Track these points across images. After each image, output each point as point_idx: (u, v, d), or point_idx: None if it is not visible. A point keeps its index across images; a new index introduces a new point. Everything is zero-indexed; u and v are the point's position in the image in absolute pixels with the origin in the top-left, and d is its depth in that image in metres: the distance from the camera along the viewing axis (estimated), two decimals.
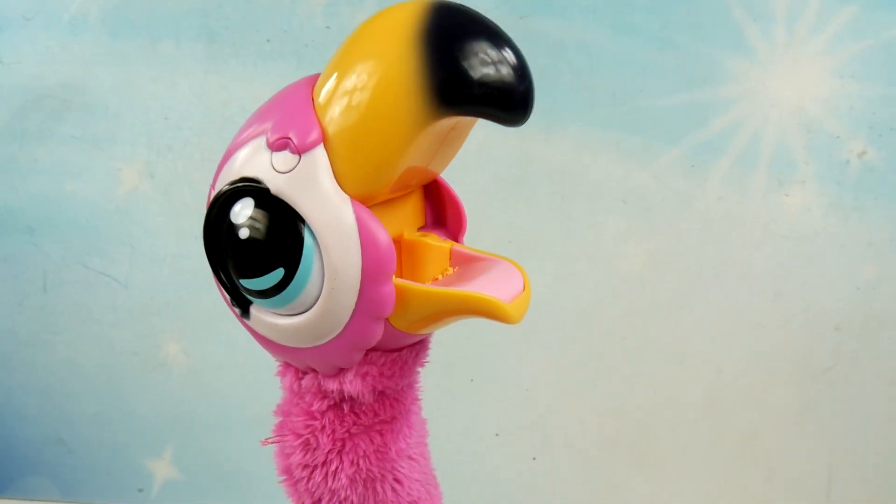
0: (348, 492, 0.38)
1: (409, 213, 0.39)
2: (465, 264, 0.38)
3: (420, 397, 0.41)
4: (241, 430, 0.88)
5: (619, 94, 0.79)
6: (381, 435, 0.38)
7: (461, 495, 0.85)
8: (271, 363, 0.86)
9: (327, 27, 0.82)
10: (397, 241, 0.38)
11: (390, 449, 0.39)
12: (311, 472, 0.39)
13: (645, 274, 0.81)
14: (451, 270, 0.38)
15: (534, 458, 0.86)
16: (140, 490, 0.91)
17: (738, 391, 0.82)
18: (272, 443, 0.40)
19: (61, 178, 0.86)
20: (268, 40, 0.83)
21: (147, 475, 0.91)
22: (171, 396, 0.88)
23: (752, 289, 0.81)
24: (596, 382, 0.84)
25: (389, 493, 0.39)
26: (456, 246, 0.38)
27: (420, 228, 0.40)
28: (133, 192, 0.85)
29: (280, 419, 0.41)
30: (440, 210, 0.40)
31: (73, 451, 0.91)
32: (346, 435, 0.38)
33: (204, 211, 0.85)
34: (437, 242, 0.38)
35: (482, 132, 0.81)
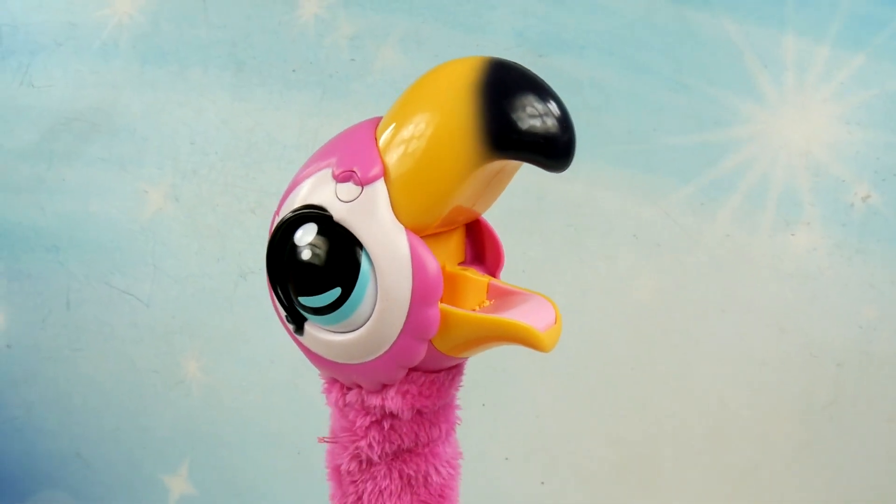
0: (392, 489, 0.42)
1: (453, 247, 0.42)
2: (502, 297, 0.41)
3: (457, 425, 0.44)
4: (257, 447, 0.90)
5: (634, 133, 0.82)
6: (426, 459, 0.41)
7: None
8: (288, 384, 0.89)
9: (352, 59, 0.84)
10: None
11: (431, 464, 0.42)
12: (361, 475, 0.42)
13: (654, 307, 0.84)
14: (487, 302, 0.41)
15: (542, 483, 0.88)
16: None
17: (741, 424, 0.85)
18: (327, 441, 0.43)
19: (87, 199, 0.88)
20: (294, 70, 0.85)
21: (163, 490, 0.92)
22: (189, 413, 0.90)
23: (757, 324, 0.83)
24: (604, 411, 0.86)
25: (422, 489, 0.42)
26: (493, 281, 0.41)
27: (460, 263, 0.43)
28: (158, 213, 0.87)
29: (331, 426, 0.43)
30: (480, 247, 0.44)
31: (91, 465, 0.93)
32: (392, 454, 0.41)
33: (228, 232, 0.87)
34: (476, 276, 0.41)
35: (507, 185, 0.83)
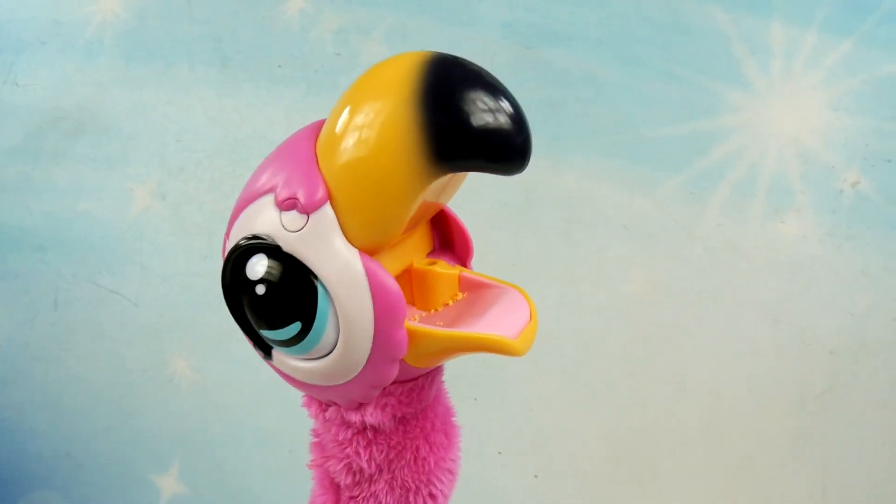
0: (387, 498, 0.40)
1: (417, 242, 0.40)
2: (474, 290, 0.40)
3: (451, 406, 0.43)
4: (248, 446, 0.89)
5: (623, 124, 0.81)
6: (417, 449, 0.40)
7: None
8: (278, 382, 0.87)
9: (337, 54, 0.83)
10: (407, 271, 0.40)
11: (428, 462, 0.40)
12: (357, 485, 0.41)
13: (646, 298, 0.83)
14: (460, 296, 0.40)
15: (535, 477, 0.87)
16: None
17: (736, 414, 0.84)
18: (315, 466, 0.42)
19: (74, 198, 0.87)
20: (279, 66, 0.84)
21: (154, 490, 0.91)
22: (179, 413, 0.89)
23: (750, 314, 0.82)
24: (597, 404, 0.85)
25: None
26: (464, 272, 0.40)
27: (429, 254, 0.41)
28: (145, 211, 0.87)
29: (316, 440, 0.42)
30: (447, 235, 0.42)
31: (81, 465, 0.92)
32: (384, 458, 0.40)
33: (215, 230, 0.86)
34: (445, 270, 0.39)
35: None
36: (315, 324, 0.34)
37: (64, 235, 0.88)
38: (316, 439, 0.42)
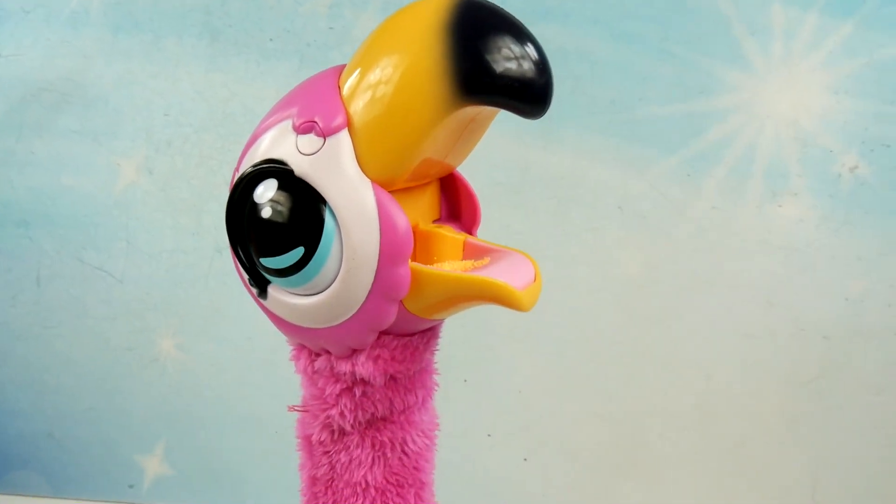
0: (360, 451, 0.39)
1: (426, 204, 0.39)
2: (479, 256, 0.38)
3: (434, 392, 0.42)
4: (234, 427, 0.87)
5: (619, 103, 0.80)
6: (402, 427, 0.39)
7: (452, 495, 0.85)
8: (265, 362, 0.86)
9: (330, 28, 0.81)
10: (413, 231, 0.38)
11: (408, 431, 0.39)
12: (332, 446, 0.40)
13: (640, 280, 0.82)
14: (464, 262, 0.38)
15: (525, 460, 0.86)
16: (131, 486, 0.90)
17: (728, 398, 0.83)
18: (297, 410, 0.41)
19: (59, 172, 0.84)
20: (271, 39, 0.82)
21: (138, 471, 0.89)
22: (164, 392, 0.87)
23: (744, 297, 0.81)
24: (589, 386, 0.84)
25: (396, 462, 0.40)
26: (470, 238, 0.39)
27: (435, 221, 0.40)
28: (131, 187, 0.84)
29: (302, 395, 0.41)
30: (455, 204, 0.41)
31: (64, 446, 0.90)
32: (365, 423, 0.38)
33: (203, 206, 0.84)
34: (451, 234, 0.38)
35: (482, 137, 0.81)
36: (318, 250, 0.34)
37: (48, 211, 0.85)
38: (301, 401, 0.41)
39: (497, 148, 0.81)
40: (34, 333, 0.87)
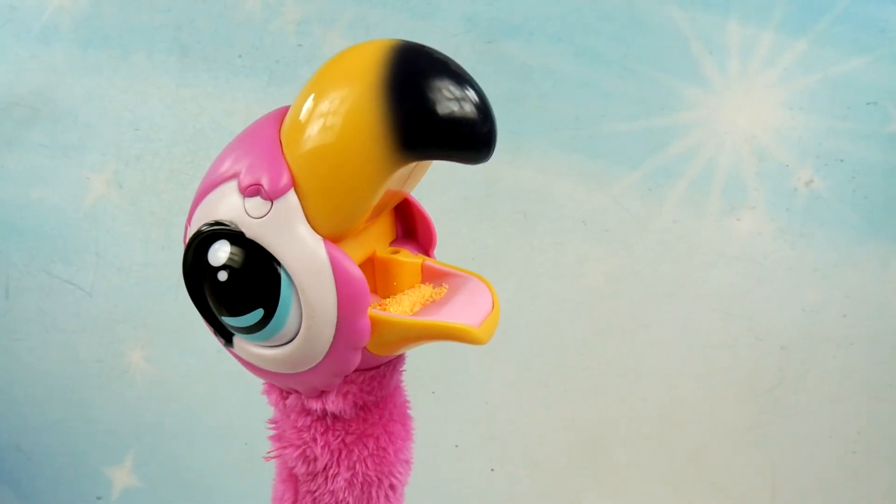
0: (346, 494, 0.39)
1: (381, 230, 0.40)
2: (437, 280, 0.39)
3: (406, 398, 0.42)
4: (203, 439, 0.87)
5: (582, 119, 0.81)
6: (377, 439, 0.39)
7: None
8: (235, 374, 0.86)
9: (299, 45, 0.82)
10: (370, 260, 0.39)
11: (388, 452, 0.39)
12: (314, 478, 0.40)
13: (603, 293, 0.83)
14: (423, 286, 0.39)
15: (492, 470, 0.87)
16: (98, 498, 0.89)
17: (689, 407, 0.84)
18: (273, 457, 0.41)
19: (28, 186, 0.84)
20: (240, 56, 0.83)
21: (106, 482, 0.89)
22: (133, 405, 0.87)
23: (705, 309, 0.83)
24: (554, 397, 0.85)
25: (382, 499, 0.40)
26: (427, 261, 0.39)
27: (392, 242, 0.41)
28: (101, 200, 0.85)
29: (275, 431, 0.41)
30: (410, 224, 0.41)
31: (32, 458, 0.89)
32: (342, 444, 0.39)
33: (173, 220, 0.85)
34: (408, 259, 0.39)
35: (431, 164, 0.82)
36: (278, 311, 0.34)
37: (17, 224, 0.85)
38: (274, 430, 0.41)
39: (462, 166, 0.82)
40: (2, 346, 0.87)
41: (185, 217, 0.37)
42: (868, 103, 0.79)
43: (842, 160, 0.80)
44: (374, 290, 0.40)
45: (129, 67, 0.83)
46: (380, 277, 0.39)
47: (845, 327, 0.82)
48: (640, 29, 0.80)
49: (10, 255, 0.86)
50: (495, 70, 0.81)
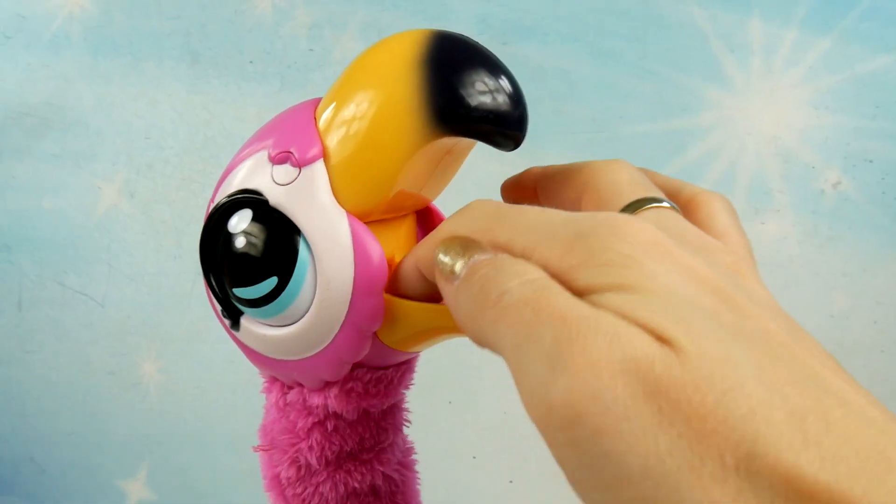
0: (335, 499, 0.38)
1: (402, 237, 0.38)
2: None
3: (405, 427, 0.41)
4: (217, 450, 0.86)
5: (599, 121, 0.79)
6: (369, 464, 0.38)
7: None
8: (248, 384, 0.85)
9: (311, 49, 0.81)
10: (389, 264, 0.38)
11: (377, 472, 0.38)
12: (301, 484, 0.39)
13: None
14: None
15: (510, 482, 0.85)
16: None
17: None
18: (262, 450, 0.40)
19: (40, 195, 0.84)
20: (251, 62, 0.82)
21: (121, 495, 0.88)
22: (146, 416, 0.86)
23: None
24: None
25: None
26: None
27: None
28: (112, 209, 0.84)
29: (265, 436, 0.40)
30: None
31: (45, 470, 0.89)
32: (334, 457, 0.38)
33: (185, 228, 0.84)
34: None
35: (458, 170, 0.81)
36: (292, 280, 0.33)
37: (29, 234, 0.85)
38: (263, 437, 0.40)
39: (478, 167, 0.80)
40: (15, 358, 0.86)
41: (197, 226, 0.36)
42: None
43: (871, 161, 0.77)
44: None
45: (140, 75, 0.82)
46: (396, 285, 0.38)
47: (876, 334, 0.79)
48: (658, 28, 0.77)
49: (23, 266, 0.85)
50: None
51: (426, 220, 0.40)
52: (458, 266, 0.28)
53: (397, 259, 0.38)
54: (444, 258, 0.29)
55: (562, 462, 0.23)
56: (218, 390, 0.85)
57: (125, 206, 0.84)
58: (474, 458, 0.84)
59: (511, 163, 0.80)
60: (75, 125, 0.83)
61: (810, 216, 0.78)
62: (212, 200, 0.36)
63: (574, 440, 0.22)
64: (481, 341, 0.26)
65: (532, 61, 0.79)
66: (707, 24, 0.77)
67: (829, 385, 0.22)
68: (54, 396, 0.87)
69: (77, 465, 0.88)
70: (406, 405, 0.41)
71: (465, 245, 0.29)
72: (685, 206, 0.34)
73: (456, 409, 0.83)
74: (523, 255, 0.26)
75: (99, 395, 0.86)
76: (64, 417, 0.87)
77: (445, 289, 0.29)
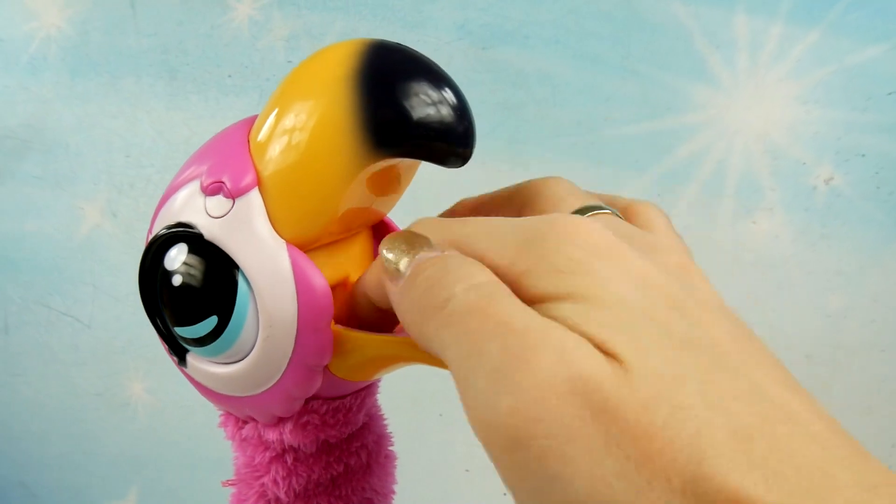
0: None
1: (357, 254, 0.37)
2: None
3: (388, 434, 0.39)
4: (206, 471, 0.85)
5: (584, 124, 0.78)
6: (339, 487, 0.36)
7: None
8: None
9: (289, 61, 0.80)
10: (343, 284, 0.36)
11: (352, 501, 0.37)
12: None
13: None
14: None
15: (505, 494, 0.83)
16: None
17: None
18: (229, 484, 0.38)
19: (22, 218, 0.83)
20: (229, 76, 0.81)
21: None
22: (135, 437, 0.85)
23: None
24: None
25: None
26: None
27: None
28: (95, 230, 0.83)
29: (234, 462, 0.39)
30: None
31: (35, 494, 0.88)
32: (302, 489, 0.36)
33: None
34: None
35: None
36: (233, 318, 0.31)
37: (12, 257, 0.84)
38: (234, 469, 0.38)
39: (461, 174, 0.78)
40: (2, 381, 0.86)
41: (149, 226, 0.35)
42: (889, 93, 0.74)
43: (863, 155, 0.75)
44: (344, 321, 0.37)
45: (118, 93, 0.81)
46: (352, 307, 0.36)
47: (874, 333, 0.77)
48: (641, 27, 0.76)
49: (7, 290, 0.84)
50: (491, 78, 0.77)
51: (383, 233, 0.38)
52: (403, 264, 0.27)
53: (353, 279, 0.36)
54: (389, 255, 0.27)
55: (507, 483, 0.22)
56: (206, 410, 0.83)
57: (108, 227, 0.83)
58: (467, 471, 0.83)
59: (494, 168, 0.79)
60: (55, 146, 0.82)
61: (803, 213, 0.76)
62: (150, 231, 0.34)
63: (519, 463, 0.21)
64: (426, 347, 0.25)
65: (513, 66, 0.77)
66: (690, 21, 0.75)
67: (774, 398, 0.21)
68: (42, 419, 0.86)
69: (67, 488, 0.87)
70: (386, 421, 0.39)
71: (410, 241, 0.27)
72: (622, 214, 0.32)
73: (447, 421, 0.82)
74: None
75: (87, 417, 0.85)
76: (53, 440, 0.86)
77: (389, 288, 0.27)
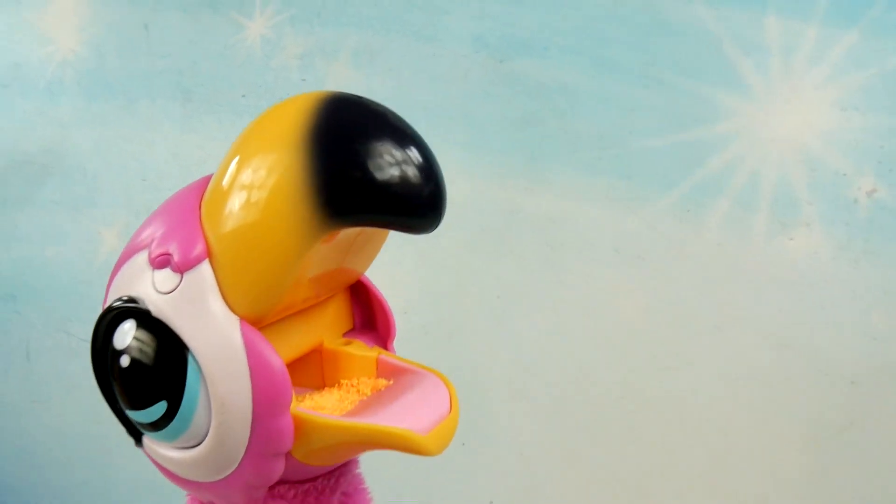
0: None
1: (331, 318, 0.35)
2: (393, 376, 0.34)
3: None
4: None
5: (606, 137, 0.74)
6: None
7: None
8: None
9: (303, 80, 0.78)
10: (317, 350, 0.34)
11: None
12: None
13: (640, 328, 0.75)
14: (380, 381, 0.34)
15: None
16: None
17: (744, 454, 0.75)
18: None
19: (42, 244, 0.84)
20: (243, 95, 0.79)
21: None
22: None
23: (757, 341, 0.73)
24: (593, 445, 0.77)
25: None
26: (383, 355, 0.34)
27: (347, 332, 0.36)
28: (114, 254, 0.82)
29: None
30: (369, 312, 0.36)
31: None
32: None
33: None
34: (361, 352, 0.34)
35: (464, 181, 0.77)
36: (183, 404, 0.29)
37: (33, 283, 0.84)
38: None
39: (481, 193, 0.76)
40: (25, 408, 0.86)
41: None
42: None
43: None
44: (321, 385, 0.35)
45: (133, 116, 0.81)
46: (328, 372, 0.34)
47: None
48: (665, 33, 0.72)
49: (29, 317, 0.85)
50: (509, 91, 0.75)
51: (361, 293, 0.36)
52: None
53: (327, 344, 0.34)
54: None
55: None
56: None
57: None
58: (491, 502, 0.80)
59: (513, 185, 0.76)
60: (74, 171, 0.83)
61: (843, 228, 0.71)
62: (105, 301, 0.33)
63: None
64: None
65: (531, 78, 0.74)
66: (718, 25, 0.71)
67: None
68: (65, 447, 0.86)
69: None
70: (370, 496, 0.37)
71: None
72: None
73: (469, 451, 0.79)
74: None
75: (109, 444, 0.85)
76: (76, 468, 0.86)
77: None
